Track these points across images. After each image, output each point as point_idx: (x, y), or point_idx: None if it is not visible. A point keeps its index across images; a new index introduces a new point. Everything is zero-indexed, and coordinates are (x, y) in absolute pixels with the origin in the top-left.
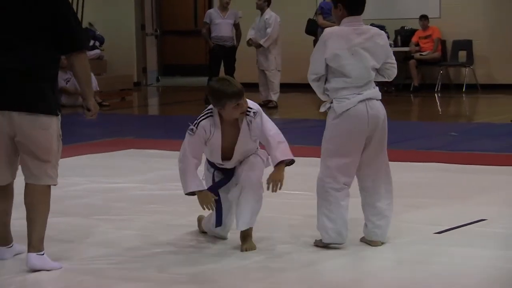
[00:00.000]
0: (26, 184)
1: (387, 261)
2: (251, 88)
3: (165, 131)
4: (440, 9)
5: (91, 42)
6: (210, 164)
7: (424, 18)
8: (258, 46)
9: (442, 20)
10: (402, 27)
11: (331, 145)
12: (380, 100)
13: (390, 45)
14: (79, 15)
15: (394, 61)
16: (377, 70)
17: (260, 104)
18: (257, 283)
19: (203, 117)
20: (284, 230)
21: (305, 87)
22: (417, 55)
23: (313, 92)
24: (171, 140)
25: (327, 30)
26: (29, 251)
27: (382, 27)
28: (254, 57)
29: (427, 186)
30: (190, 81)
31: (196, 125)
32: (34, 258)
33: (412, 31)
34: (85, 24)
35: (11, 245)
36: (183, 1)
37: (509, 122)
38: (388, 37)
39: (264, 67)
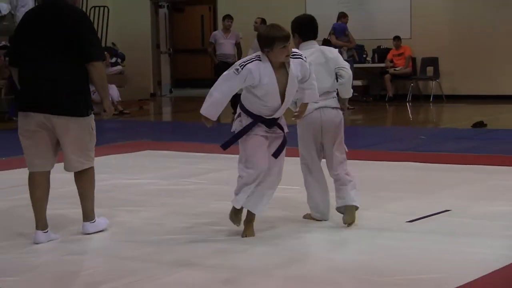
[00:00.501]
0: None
1: (363, 245)
2: None
3: (177, 135)
4: (411, 31)
5: (114, 59)
6: (254, 117)
7: (397, 38)
8: None
9: (413, 40)
10: (379, 46)
11: (300, 140)
12: (336, 108)
13: (368, 62)
14: (103, 37)
15: (345, 65)
16: (336, 74)
17: None
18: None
19: (249, 61)
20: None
21: None
22: (391, 70)
23: None
24: (182, 143)
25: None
26: (84, 221)
27: (361, 47)
28: None
29: (400, 182)
30: (198, 92)
31: (242, 67)
32: (88, 225)
33: (387, 50)
34: (108, 44)
35: (47, 230)
36: (191, 24)
37: (470, 127)
38: (367, 55)
39: None
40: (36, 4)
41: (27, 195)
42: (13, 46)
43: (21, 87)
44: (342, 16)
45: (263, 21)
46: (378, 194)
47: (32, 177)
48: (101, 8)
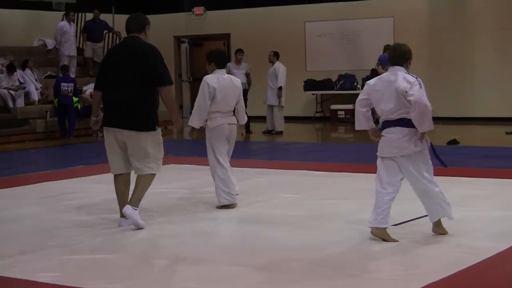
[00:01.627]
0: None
1: (355, 245)
2: (259, 119)
3: (195, 151)
4: None
5: None
6: None
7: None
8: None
9: None
10: (367, 76)
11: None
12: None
13: (358, 89)
14: None
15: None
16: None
17: (264, 132)
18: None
19: None
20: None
21: (301, 119)
22: None
23: (306, 122)
24: (200, 158)
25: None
26: (128, 203)
27: (352, 76)
28: (261, 98)
29: None
30: None
31: None
32: (129, 209)
33: None
34: None
35: (127, 217)
36: None
37: (445, 144)
38: (357, 83)
39: (271, 103)
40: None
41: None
42: (99, 74)
43: (105, 107)
44: (388, 48)
45: (276, 53)
46: (367, 202)
47: (114, 177)
48: None
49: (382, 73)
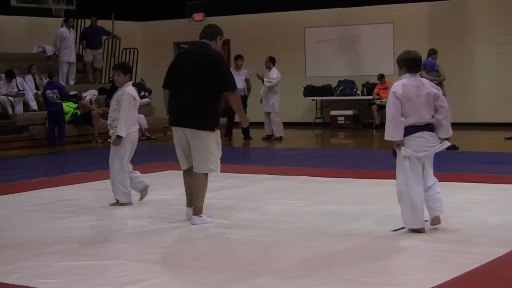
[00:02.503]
0: (194, 173)
1: (353, 251)
2: (258, 125)
3: None
4: (394, 68)
5: (142, 93)
6: None
7: (381, 76)
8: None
9: (396, 76)
10: (367, 82)
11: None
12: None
13: (358, 95)
14: (133, 75)
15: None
16: None
17: (263, 138)
18: None
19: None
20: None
21: (301, 125)
22: (377, 101)
23: (306, 128)
24: None
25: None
26: (193, 214)
27: (352, 82)
28: (260, 104)
29: (386, 196)
30: None
31: None
32: (195, 219)
33: (374, 84)
34: (138, 80)
35: (192, 206)
36: None
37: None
38: (357, 89)
39: (266, 109)
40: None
41: None
42: (168, 75)
43: (170, 108)
44: (433, 52)
45: (272, 59)
46: (368, 208)
47: (183, 172)
48: (132, 50)
49: (426, 78)
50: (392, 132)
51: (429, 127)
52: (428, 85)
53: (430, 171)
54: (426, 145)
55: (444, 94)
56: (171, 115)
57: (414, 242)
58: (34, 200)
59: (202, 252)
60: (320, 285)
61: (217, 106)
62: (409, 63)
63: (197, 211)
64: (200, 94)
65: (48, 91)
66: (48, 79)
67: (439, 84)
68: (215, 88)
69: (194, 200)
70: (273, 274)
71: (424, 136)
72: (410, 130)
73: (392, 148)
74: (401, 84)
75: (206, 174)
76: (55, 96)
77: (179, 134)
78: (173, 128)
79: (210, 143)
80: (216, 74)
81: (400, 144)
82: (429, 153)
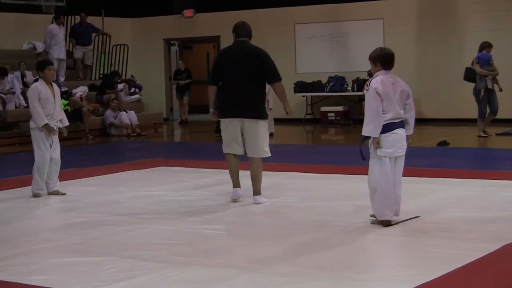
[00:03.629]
0: (250, 158)
1: (346, 247)
2: None
3: (186, 153)
4: None
5: (132, 89)
6: None
7: (371, 72)
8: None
9: None
10: (357, 78)
11: None
12: None
13: (348, 91)
14: (123, 71)
15: None
16: None
17: None
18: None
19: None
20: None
21: (292, 121)
22: None
23: (297, 124)
24: (191, 160)
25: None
26: (254, 194)
27: (342, 78)
28: None
29: None
30: (203, 117)
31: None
32: (258, 198)
33: (365, 80)
34: (128, 76)
35: (240, 187)
36: (198, 60)
37: (435, 146)
38: (347, 85)
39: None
40: None
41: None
42: (214, 71)
43: (222, 102)
44: (487, 46)
45: None
46: (358, 204)
47: (227, 156)
48: (122, 46)
49: (481, 73)
50: (372, 128)
51: (402, 123)
52: (402, 83)
53: (401, 169)
54: (401, 142)
55: (500, 89)
56: (226, 108)
57: (403, 238)
58: (24, 197)
59: (191, 248)
60: (310, 281)
61: (264, 96)
62: (384, 59)
63: (258, 191)
64: (255, 87)
65: None
66: None
67: (494, 78)
68: (264, 80)
69: (254, 181)
70: (262, 270)
71: (398, 133)
72: (388, 126)
73: (360, 146)
74: (380, 81)
75: (262, 158)
76: None
77: (234, 124)
78: (226, 119)
79: (264, 131)
80: (268, 68)
81: (378, 141)
82: (402, 152)
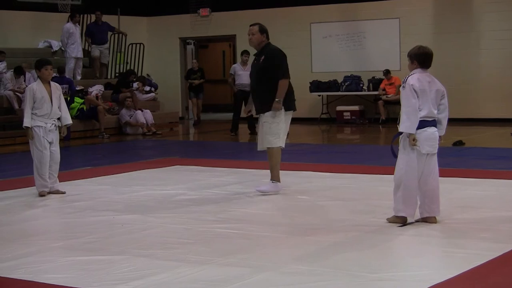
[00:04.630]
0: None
1: (361, 246)
2: None
3: (201, 152)
4: (400, 64)
5: (148, 88)
6: None
7: (387, 71)
8: None
9: (402, 71)
10: (373, 77)
11: None
12: None
13: (364, 90)
14: (139, 69)
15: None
16: None
17: None
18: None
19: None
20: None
21: (307, 120)
22: (383, 97)
23: (312, 123)
24: (206, 159)
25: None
26: (271, 179)
27: (358, 77)
28: None
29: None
30: (219, 116)
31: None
32: (265, 185)
33: (380, 80)
34: (144, 74)
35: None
36: (214, 58)
37: (451, 145)
38: (363, 85)
39: None
40: None
41: None
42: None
43: (291, 94)
44: None
45: None
46: (374, 203)
47: (278, 150)
48: (138, 45)
49: None
50: (410, 124)
51: (434, 122)
52: (437, 82)
53: (434, 168)
54: (433, 141)
55: None
56: (292, 100)
57: (419, 238)
58: (38, 196)
59: (206, 247)
60: (323, 280)
61: (275, 91)
62: (422, 58)
63: (273, 178)
64: (267, 83)
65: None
66: (57, 74)
67: None
68: (275, 77)
69: (271, 170)
70: (275, 269)
71: (430, 131)
72: (421, 123)
73: (391, 144)
74: (416, 78)
75: (272, 148)
76: (64, 91)
77: (289, 117)
78: (288, 112)
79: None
80: (274, 68)
81: (415, 138)
82: (433, 150)
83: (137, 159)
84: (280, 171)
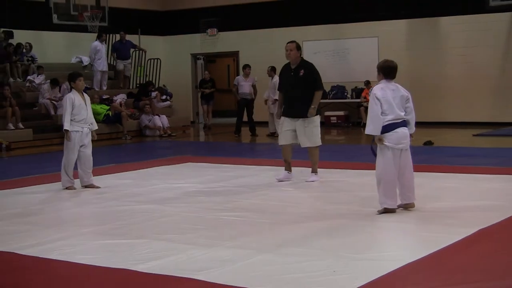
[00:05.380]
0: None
1: (346, 231)
2: (263, 124)
3: (209, 151)
4: None
5: (164, 97)
6: None
7: (367, 82)
8: (274, 101)
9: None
10: (356, 87)
11: None
12: None
13: (348, 98)
14: (156, 80)
15: None
16: None
17: (267, 135)
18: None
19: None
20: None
21: None
22: (365, 103)
23: None
24: (214, 157)
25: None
26: (311, 172)
27: (343, 87)
28: (264, 105)
29: (371, 185)
30: (225, 121)
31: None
32: (313, 176)
33: (362, 89)
34: (161, 85)
35: (291, 172)
36: (220, 71)
37: (421, 145)
38: (347, 93)
39: (273, 111)
40: None
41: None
42: (280, 81)
43: (284, 103)
44: None
45: (273, 68)
46: (358, 194)
47: (282, 147)
48: (155, 60)
49: None
50: (373, 128)
51: (403, 123)
52: (401, 89)
53: (408, 162)
54: (404, 138)
55: None
56: (286, 109)
57: (397, 224)
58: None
59: (214, 232)
60: (314, 260)
61: (311, 99)
62: (386, 70)
63: (315, 170)
64: (304, 93)
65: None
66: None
67: None
68: (312, 88)
69: (312, 164)
70: (274, 251)
71: (400, 131)
72: (390, 126)
73: (371, 144)
74: (380, 88)
75: (317, 147)
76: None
77: (288, 122)
78: (284, 118)
79: (314, 125)
80: (312, 79)
81: (380, 138)
82: (405, 146)
83: (155, 157)
84: (277, 167)
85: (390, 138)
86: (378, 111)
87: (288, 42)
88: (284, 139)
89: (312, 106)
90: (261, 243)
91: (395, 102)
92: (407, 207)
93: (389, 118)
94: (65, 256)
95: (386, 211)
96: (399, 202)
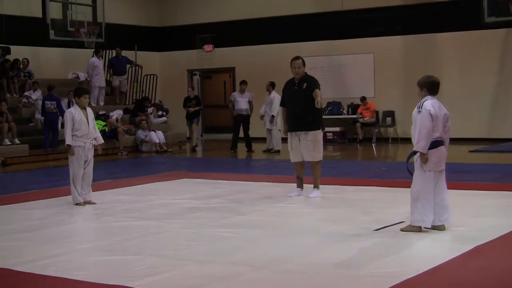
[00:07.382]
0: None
1: (340, 248)
2: (259, 140)
3: (205, 167)
4: (375, 91)
5: (160, 113)
6: None
7: (363, 98)
8: (272, 118)
9: (376, 98)
10: (352, 103)
11: None
12: None
13: (344, 114)
14: (153, 97)
15: None
16: None
17: (264, 150)
18: None
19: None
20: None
21: None
22: (360, 120)
23: None
24: (210, 173)
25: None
26: (313, 187)
27: (339, 103)
28: (260, 121)
29: (368, 200)
30: (221, 136)
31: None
32: (315, 192)
33: (357, 105)
34: (156, 101)
35: (302, 189)
36: (217, 87)
37: None
38: (343, 109)
39: (269, 127)
40: None
41: None
42: (283, 96)
43: (288, 118)
44: None
45: (272, 83)
46: (352, 210)
47: (294, 164)
48: (152, 76)
49: None
50: (424, 145)
51: (443, 142)
52: (443, 107)
53: (444, 182)
54: (444, 158)
55: None
56: (290, 123)
57: (392, 240)
58: (69, 204)
59: (209, 248)
60: (308, 278)
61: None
62: (431, 86)
63: (317, 186)
64: (306, 107)
65: (47, 102)
66: (48, 91)
67: None
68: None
69: (314, 179)
70: (271, 267)
71: (442, 149)
72: (435, 143)
73: (407, 163)
74: (431, 104)
75: (318, 161)
76: (52, 107)
77: (293, 137)
78: (290, 133)
79: (317, 139)
80: (312, 91)
81: (426, 158)
82: (444, 167)
83: (151, 173)
84: (273, 183)
85: (434, 155)
86: (431, 128)
87: (294, 59)
88: (295, 157)
89: (317, 99)
90: (257, 259)
91: (440, 119)
92: (438, 228)
93: (435, 135)
94: (61, 272)
95: (417, 230)
96: (435, 222)
